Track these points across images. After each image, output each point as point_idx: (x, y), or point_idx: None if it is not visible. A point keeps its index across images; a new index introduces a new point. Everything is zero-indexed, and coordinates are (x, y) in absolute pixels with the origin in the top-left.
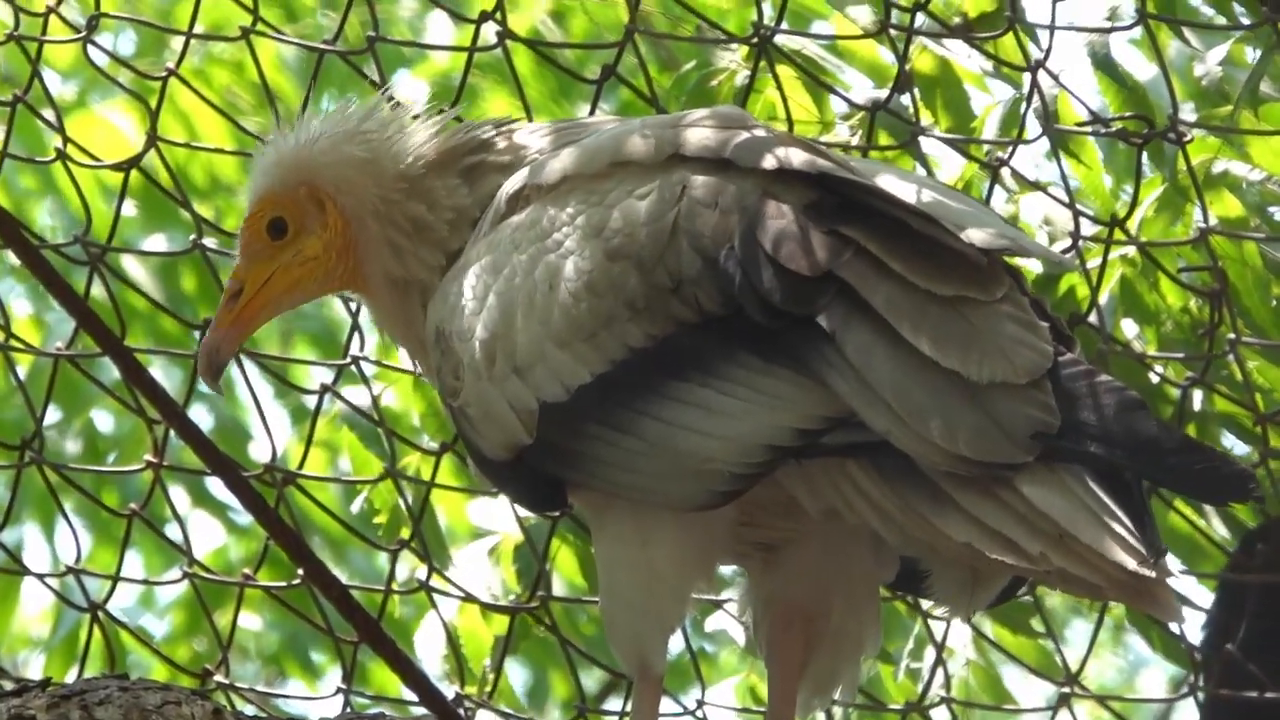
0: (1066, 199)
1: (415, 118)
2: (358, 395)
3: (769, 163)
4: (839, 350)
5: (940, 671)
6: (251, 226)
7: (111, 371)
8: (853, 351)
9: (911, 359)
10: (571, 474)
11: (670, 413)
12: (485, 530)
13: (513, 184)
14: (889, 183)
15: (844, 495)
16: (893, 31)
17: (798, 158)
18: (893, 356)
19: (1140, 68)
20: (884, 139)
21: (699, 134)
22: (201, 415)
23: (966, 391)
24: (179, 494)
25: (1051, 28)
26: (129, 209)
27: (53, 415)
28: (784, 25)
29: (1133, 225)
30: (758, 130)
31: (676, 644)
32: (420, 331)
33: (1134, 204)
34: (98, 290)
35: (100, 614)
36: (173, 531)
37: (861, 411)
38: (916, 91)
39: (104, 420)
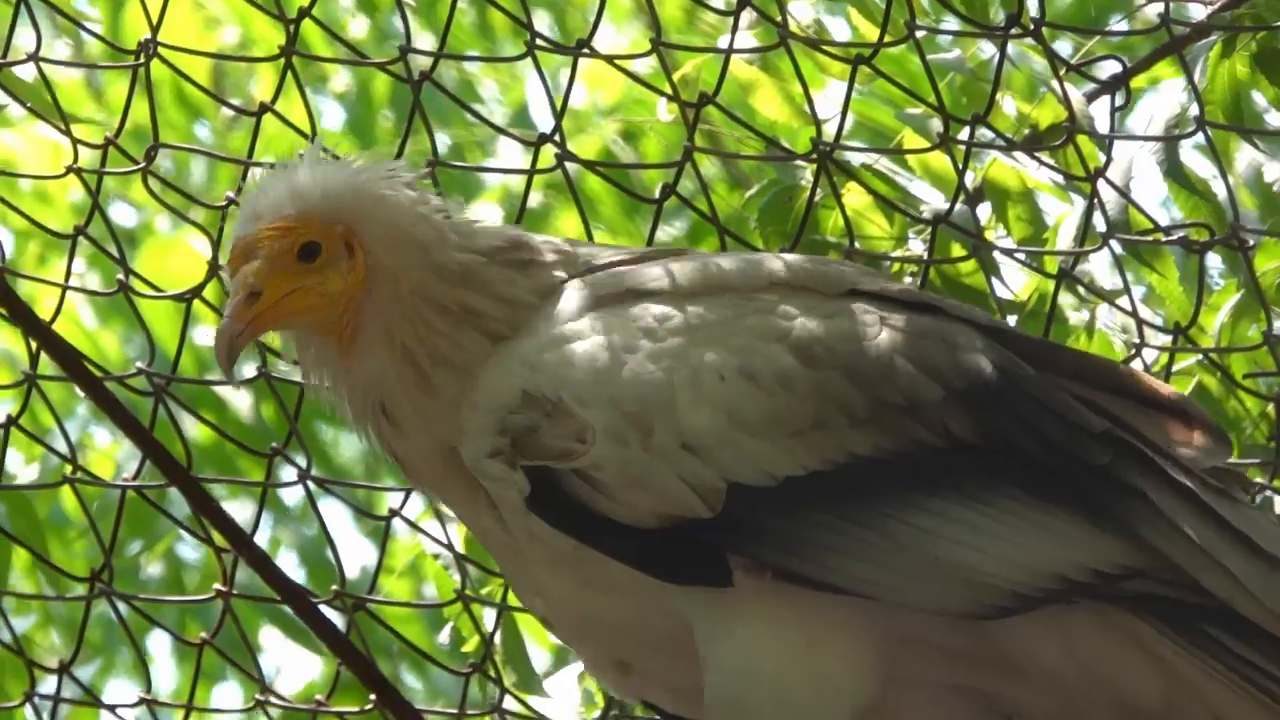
0: (1144, 306)
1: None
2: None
3: (978, 317)
4: (1150, 504)
5: None
6: (283, 239)
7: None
8: (1166, 508)
9: (1219, 524)
10: (776, 555)
11: (925, 522)
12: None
13: (603, 286)
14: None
15: (1107, 646)
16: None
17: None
18: (1201, 518)
19: (1213, 173)
20: (957, 250)
21: (852, 273)
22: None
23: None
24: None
25: (1110, 137)
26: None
27: (134, 546)
28: (846, 140)
29: (1211, 330)
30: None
31: None
32: (429, 400)
33: (1196, 311)
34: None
35: None
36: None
37: (1195, 573)
38: (989, 202)
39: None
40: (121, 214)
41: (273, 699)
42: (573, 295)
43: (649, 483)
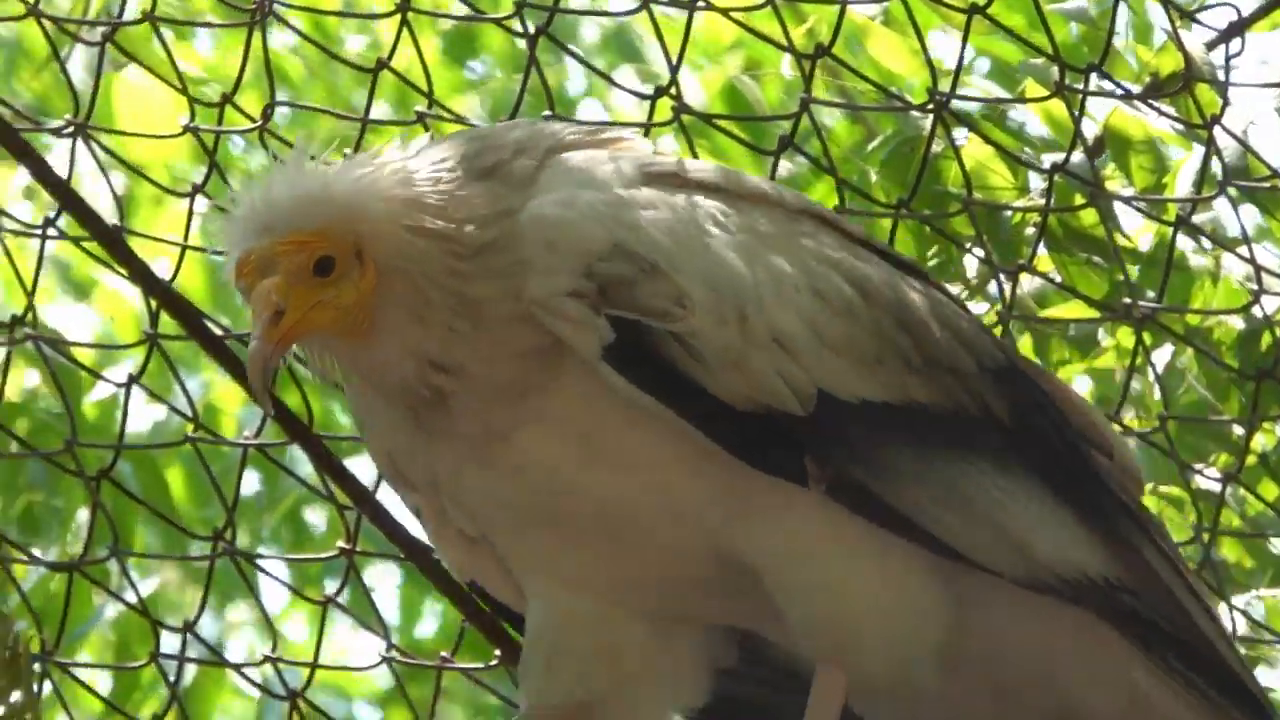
0: (1268, 252)
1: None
2: None
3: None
4: (1141, 525)
5: None
6: (298, 253)
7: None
8: (1154, 534)
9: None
10: (858, 470)
11: (984, 484)
12: None
13: (637, 163)
14: None
15: (1088, 654)
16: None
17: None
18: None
19: None
20: (1078, 199)
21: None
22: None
23: None
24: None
25: (1225, 84)
26: None
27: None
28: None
29: None
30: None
31: None
32: (476, 309)
33: None
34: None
35: (300, 702)
36: None
37: (1183, 601)
38: (1110, 151)
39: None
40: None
41: (397, 655)
42: (603, 164)
43: (747, 366)
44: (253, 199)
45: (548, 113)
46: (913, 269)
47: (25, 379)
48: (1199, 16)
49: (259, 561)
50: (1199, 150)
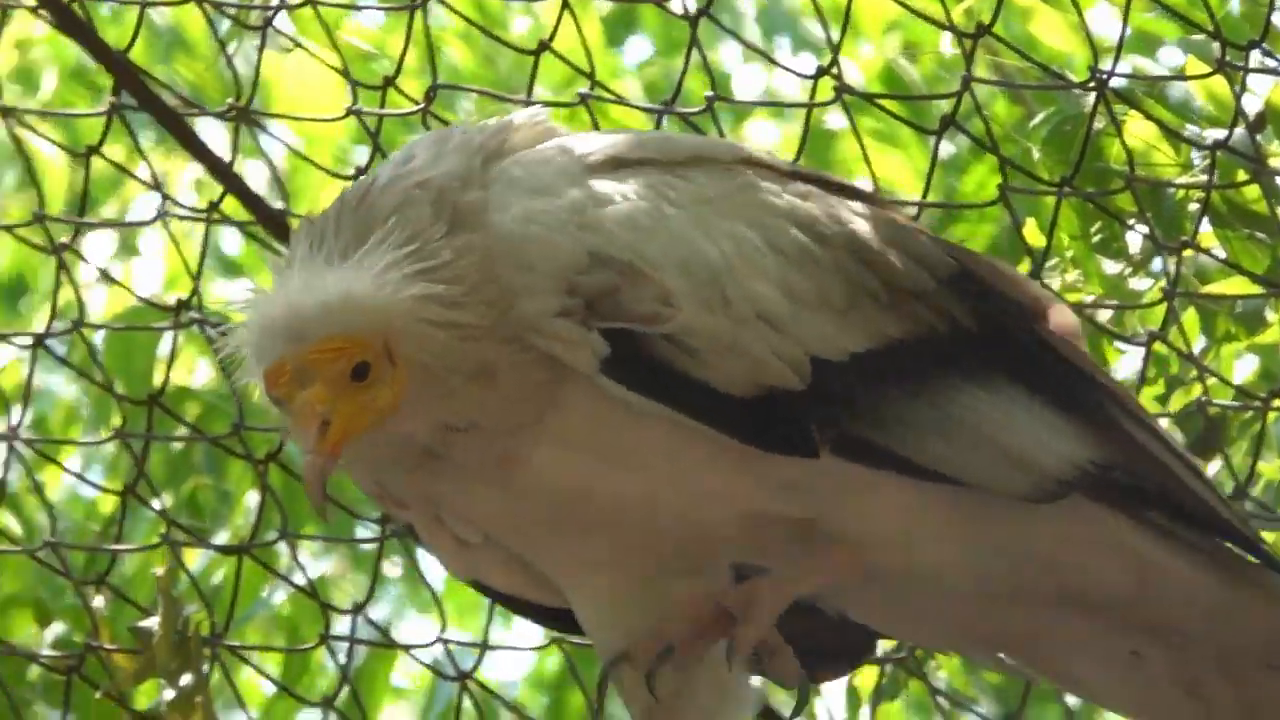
0: None
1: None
2: None
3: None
4: (1113, 397)
5: None
6: (335, 361)
7: None
8: (1123, 401)
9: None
10: (864, 428)
11: (971, 405)
12: None
13: (574, 156)
14: None
15: (1089, 537)
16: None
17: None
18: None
19: None
20: (1240, 175)
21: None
22: None
23: None
24: None
25: None
26: None
27: None
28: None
29: None
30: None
31: None
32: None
33: None
34: None
35: (470, 683)
36: None
37: (1166, 462)
38: (1271, 127)
39: None
40: None
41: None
42: (544, 164)
43: (743, 350)
44: (273, 306)
45: (709, 93)
46: (849, 189)
47: (193, 365)
48: None
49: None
50: None
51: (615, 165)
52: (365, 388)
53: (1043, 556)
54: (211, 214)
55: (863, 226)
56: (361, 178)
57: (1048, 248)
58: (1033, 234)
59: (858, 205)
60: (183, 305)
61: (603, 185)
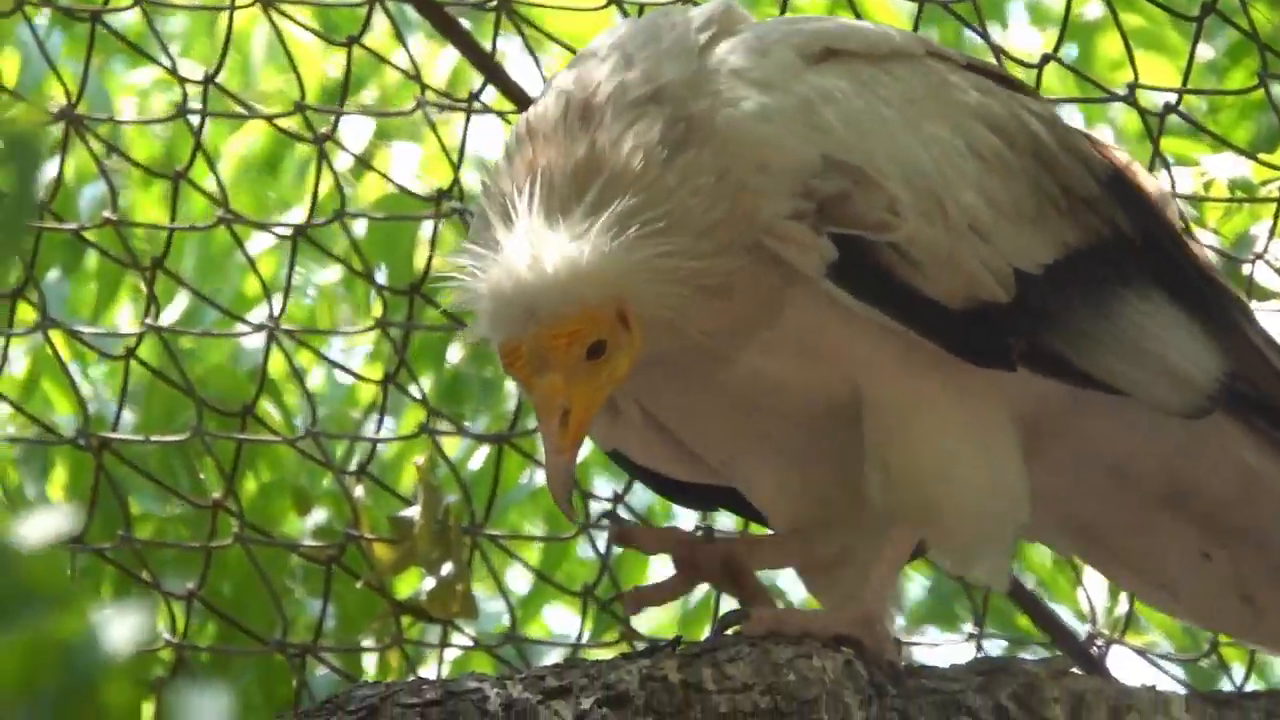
0: None
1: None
2: None
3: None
4: (1241, 309)
5: None
6: (570, 345)
7: None
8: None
9: None
10: (1055, 342)
11: (1137, 319)
12: None
13: (787, 41)
14: None
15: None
16: None
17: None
18: None
19: None
20: None
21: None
22: None
23: None
24: None
25: None
26: None
27: None
28: None
29: None
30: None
31: None
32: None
33: None
34: None
35: None
36: None
37: None
38: None
39: None
40: None
41: None
42: (762, 56)
43: (959, 263)
44: (501, 271)
45: None
46: (1014, 83)
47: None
48: None
49: None
50: None
51: (828, 57)
52: (603, 363)
53: (1161, 462)
54: (471, 104)
55: (1039, 127)
56: (571, 80)
57: None
58: None
59: (1030, 101)
60: (443, 195)
61: (822, 81)
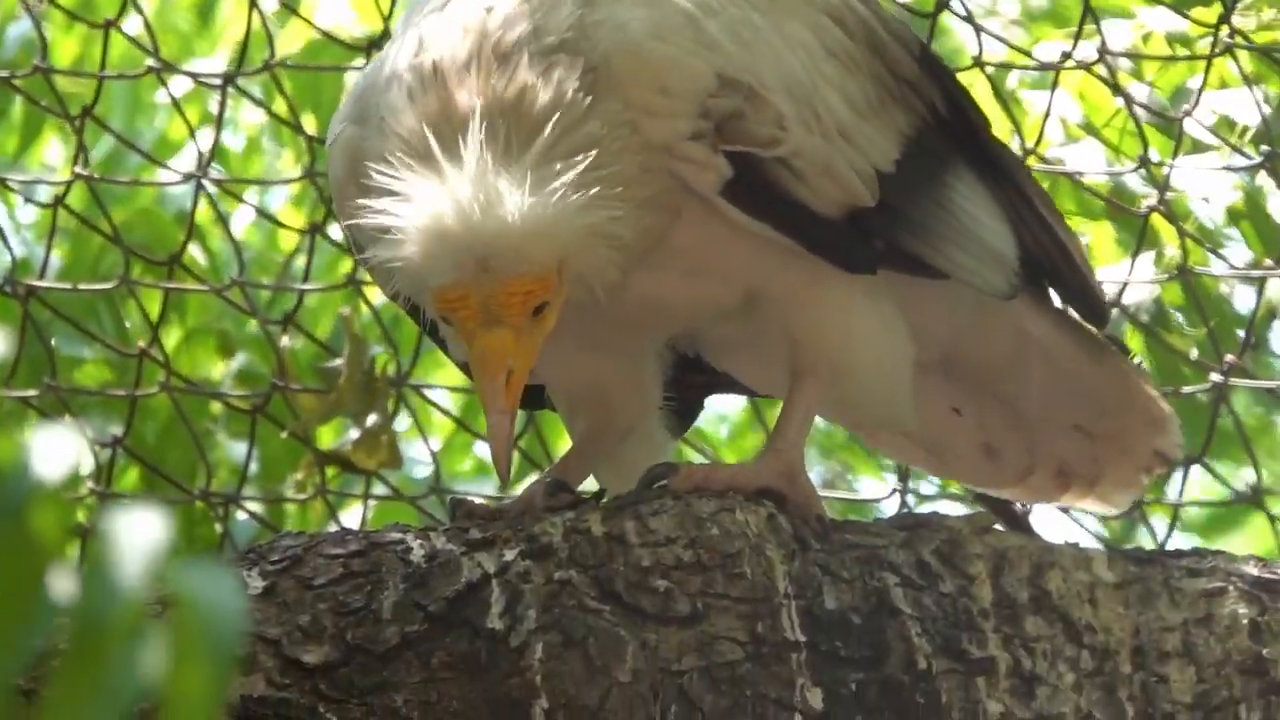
0: None
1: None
2: None
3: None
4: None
5: None
6: (525, 303)
7: None
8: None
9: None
10: (911, 242)
11: (963, 204)
12: None
13: None
14: None
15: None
16: None
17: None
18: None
19: None
20: None
21: None
22: None
23: None
24: None
25: None
26: None
27: None
28: None
29: None
30: None
31: None
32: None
33: None
34: None
35: None
36: None
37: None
38: None
39: None
40: None
41: None
42: None
43: (835, 170)
44: (444, 210)
45: None
46: None
47: None
48: None
49: None
50: None
51: None
52: (540, 320)
53: (951, 333)
54: None
55: (864, 11)
56: (475, 21)
57: None
58: None
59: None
60: (374, 45)
61: None
